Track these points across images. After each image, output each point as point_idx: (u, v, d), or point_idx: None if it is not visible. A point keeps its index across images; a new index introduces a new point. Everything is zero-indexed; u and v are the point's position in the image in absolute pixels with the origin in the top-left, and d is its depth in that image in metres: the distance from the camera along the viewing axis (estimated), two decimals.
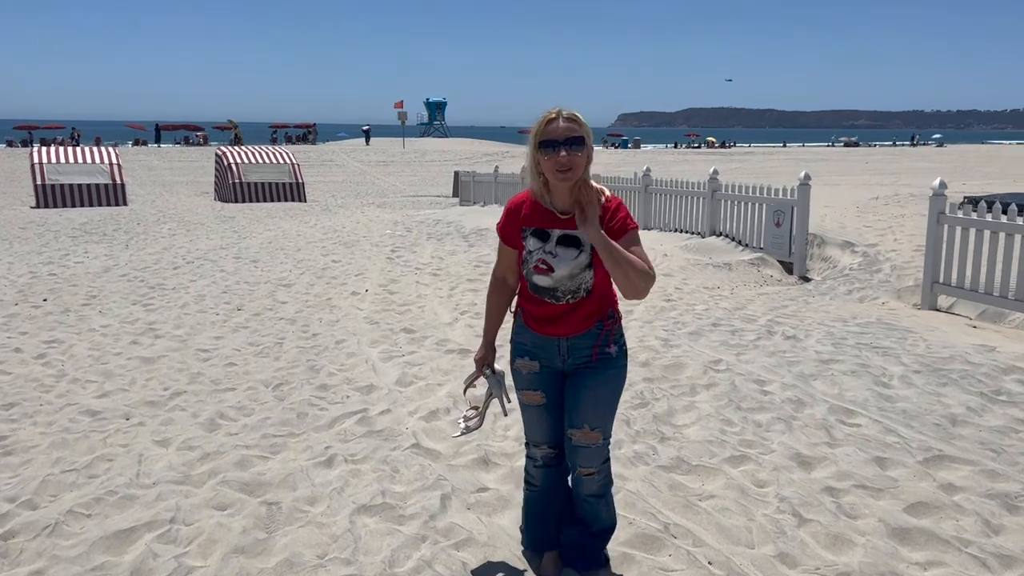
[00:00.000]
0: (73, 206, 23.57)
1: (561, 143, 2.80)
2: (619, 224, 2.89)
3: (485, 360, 3.29)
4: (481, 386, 3.42)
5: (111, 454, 4.68)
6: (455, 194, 27.77)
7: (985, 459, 4.23)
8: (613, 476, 4.16)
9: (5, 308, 8.79)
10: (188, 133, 69.33)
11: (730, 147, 79.96)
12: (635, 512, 3.76)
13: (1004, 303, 7.83)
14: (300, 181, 27.12)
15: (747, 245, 11.68)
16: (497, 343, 3.33)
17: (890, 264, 9.96)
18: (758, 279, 10.38)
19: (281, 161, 27.39)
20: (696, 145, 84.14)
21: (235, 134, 63.93)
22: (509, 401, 3.32)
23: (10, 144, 57.64)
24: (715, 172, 12.71)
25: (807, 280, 10.50)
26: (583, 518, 3.26)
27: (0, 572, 3.41)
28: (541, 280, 2.94)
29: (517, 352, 3.14)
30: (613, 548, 3.42)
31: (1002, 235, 7.93)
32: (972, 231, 8.28)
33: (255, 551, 3.51)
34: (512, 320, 3.22)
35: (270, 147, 31.32)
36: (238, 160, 26.52)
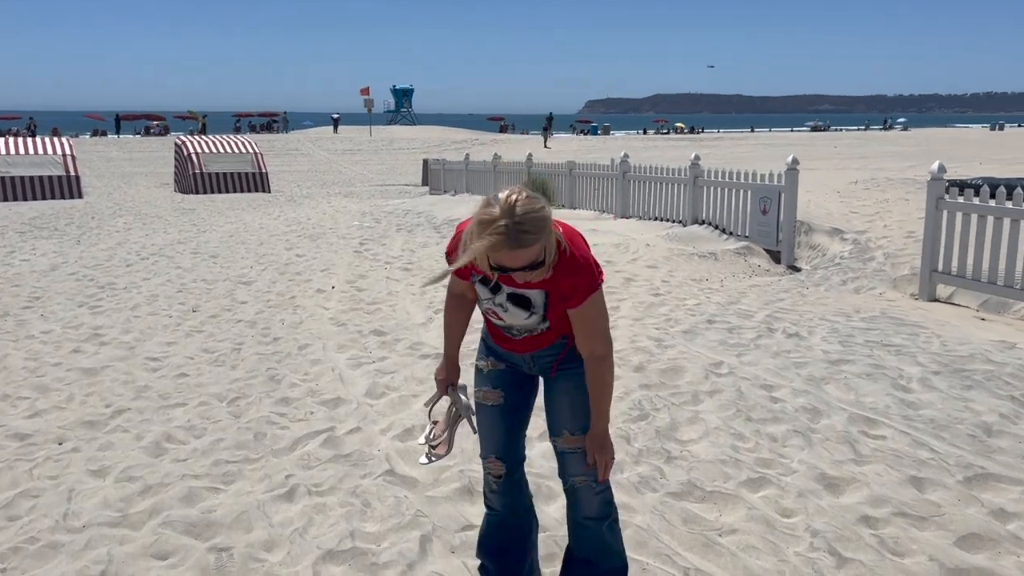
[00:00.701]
0: (24, 199, 22.53)
1: (514, 270, 2.39)
2: (570, 291, 2.52)
3: (449, 379, 2.97)
4: (445, 405, 3.07)
5: (37, 488, 4.06)
6: (424, 183, 27.09)
7: None
8: (618, 506, 3.65)
9: None
10: (148, 123, 67.62)
11: (699, 132, 79.83)
12: (648, 553, 3.23)
13: (1009, 292, 7.43)
14: (263, 171, 26.26)
15: (732, 233, 11.21)
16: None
17: (883, 252, 9.55)
18: (746, 269, 9.91)
19: (243, 150, 26.50)
20: (665, 131, 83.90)
21: (202, 123, 62.46)
22: (474, 413, 2.94)
23: None
24: (696, 158, 12.22)
25: (796, 270, 10.06)
26: (587, 557, 2.76)
27: None
28: (495, 321, 2.71)
29: (483, 353, 2.88)
30: None
31: (1007, 221, 7.51)
32: (974, 217, 7.86)
33: None
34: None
35: (232, 136, 30.36)
36: (198, 150, 25.60)
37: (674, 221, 12.44)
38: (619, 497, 3.70)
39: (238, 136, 33.00)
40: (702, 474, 3.93)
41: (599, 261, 2.61)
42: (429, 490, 3.89)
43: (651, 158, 22.18)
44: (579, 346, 2.61)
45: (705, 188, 11.89)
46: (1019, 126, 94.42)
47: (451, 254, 2.66)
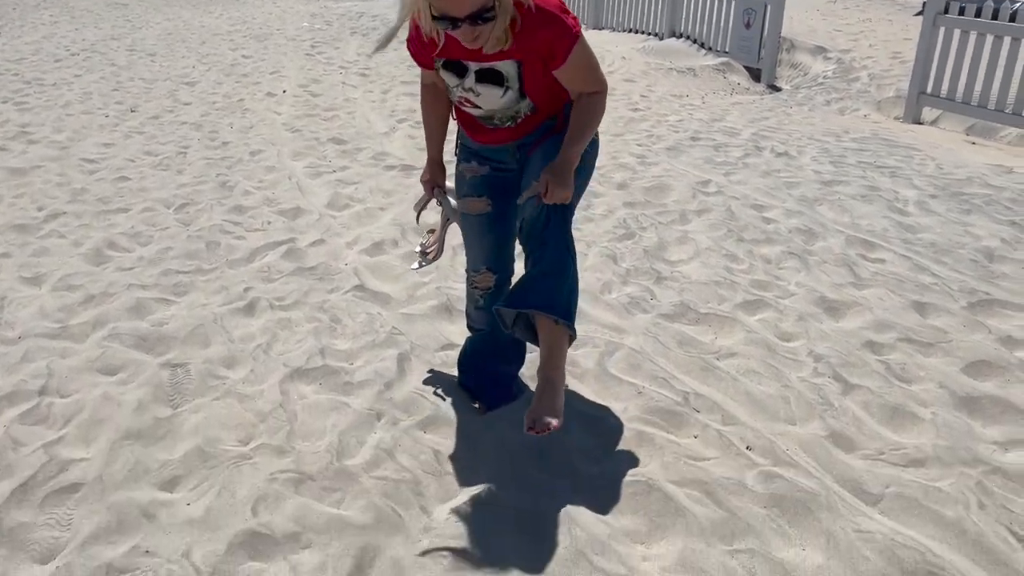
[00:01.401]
0: None
1: (462, 19, 2.06)
2: (547, 50, 2.22)
3: (434, 181, 2.74)
4: (434, 211, 2.93)
5: None
6: None
7: None
8: (607, 327, 3.41)
9: None
10: None
11: None
12: (643, 376, 3.01)
13: (998, 117, 7.15)
14: None
15: (710, 48, 10.60)
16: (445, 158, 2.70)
17: (867, 73, 9.12)
18: (725, 87, 9.42)
19: None
20: None
21: None
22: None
23: None
24: None
25: (776, 89, 9.60)
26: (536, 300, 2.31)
27: None
28: (472, 111, 2.42)
29: (463, 156, 2.62)
30: (624, 426, 2.69)
31: (1006, 40, 7.10)
32: (971, 36, 7.42)
33: (155, 435, 2.65)
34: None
35: None
36: None
37: (650, 34, 11.72)
38: (609, 318, 3.46)
39: None
40: (695, 295, 3.68)
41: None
42: (404, 307, 3.58)
43: None
44: (572, 94, 2.35)
45: None
46: None
47: (413, 53, 2.42)
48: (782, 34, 10.09)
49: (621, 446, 2.59)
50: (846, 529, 2.21)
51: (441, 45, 2.27)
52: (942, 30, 7.64)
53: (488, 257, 2.66)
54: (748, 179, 5.31)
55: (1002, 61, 7.09)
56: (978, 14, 7.43)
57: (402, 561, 2.11)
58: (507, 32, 2.16)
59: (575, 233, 2.55)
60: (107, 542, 2.17)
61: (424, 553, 2.12)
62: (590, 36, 11.72)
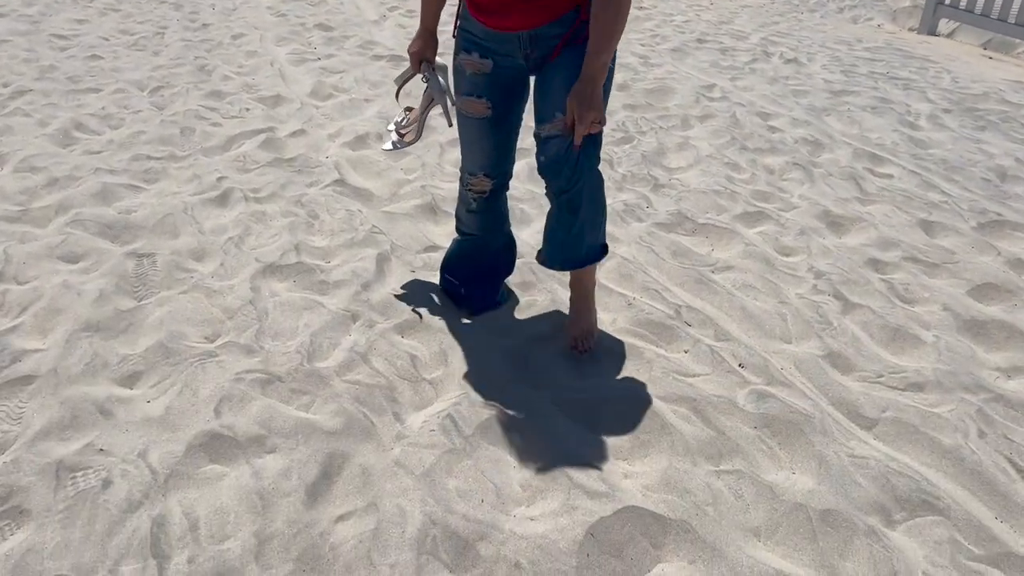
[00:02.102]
0: None
1: None
2: None
3: (422, 53, 2.46)
4: (417, 88, 2.58)
5: None
6: None
7: None
8: None
9: None
10: None
11: None
12: (634, 287, 2.86)
13: (1018, 31, 6.82)
14: None
15: None
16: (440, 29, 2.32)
17: None
18: None
19: None
20: None
21: None
22: (454, 103, 2.42)
23: None
24: None
25: None
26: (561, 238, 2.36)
27: None
28: None
29: (463, 45, 2.30)
30: (611, 337, 2.56)
31: None
32: None
33: (116, 328, 2.50)
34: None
35: None
36: None
37: None
38: None
39: None
40: (693, 205, 3.51)
41: None
42: (386, 205, 3.40)
43: None
44: None
45: None
46: None
47: None
48: None
49: (607, 359, 2.46)
50: (839, 453, 2.11)
51: None
52: None
53: (486, 162, 2.44)
54: (755, 85, 5.06)
55: None
56: None
57: (371, 469, 1.99)
58: None
59: None
60: (59, 438, 2.05)
61: (396, 462, 2.01)
62: None
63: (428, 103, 2.56)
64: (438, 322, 2.58)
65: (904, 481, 2.02)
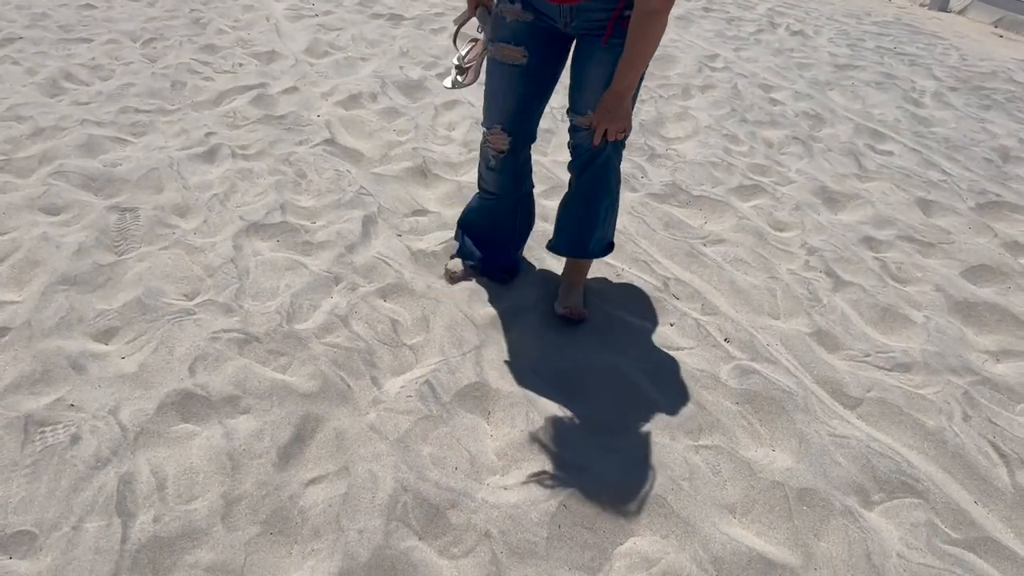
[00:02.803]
0: None
1: None
2: None
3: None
4: (472, 31, 2.55)
5: None
6: None
7: None
8: None
9: None
10: None
11: None
12: (623, 258, 2.82)
13: None
14: None
15: None
16: None
17: None
18: None
19: None
20: None
21: None
22: (488, 51, 2.34)
23: None
24: None
25: None
26: (578, 228, 2.44)
27: None
28: None
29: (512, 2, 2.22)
30: (597, 308, 2.52)
31: None
32: None
33: (94, 282, 2.46)
34: None
35: None
36: None
37: None
38: None
39: None
40: (688, 176, 3.45)
41: None
42: (376, 166, 3.34)
43: None
44: None
45: None
46: None
47: None
48: None
49: (592, 329, 2.43)
50: (820, 432, 2.08)
51: None
52: None
53: (507, 116, 2.34)
54: (759, 56, 4.97)
55: None
56: None
57: (345, 433, 1.97)
58: None
59: None
60: (29, 392, 2.02)
61: (370, 426, 1.98)
62: None
63: (485, 48, 2.43)
64: (422, 287, 2.54)
65: (884, 462, 2.00)
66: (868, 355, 2.43)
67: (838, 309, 2.63)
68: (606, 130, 2.12)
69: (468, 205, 2.66)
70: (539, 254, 2.76)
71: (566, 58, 2.29)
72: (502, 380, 2.18)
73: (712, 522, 1.81)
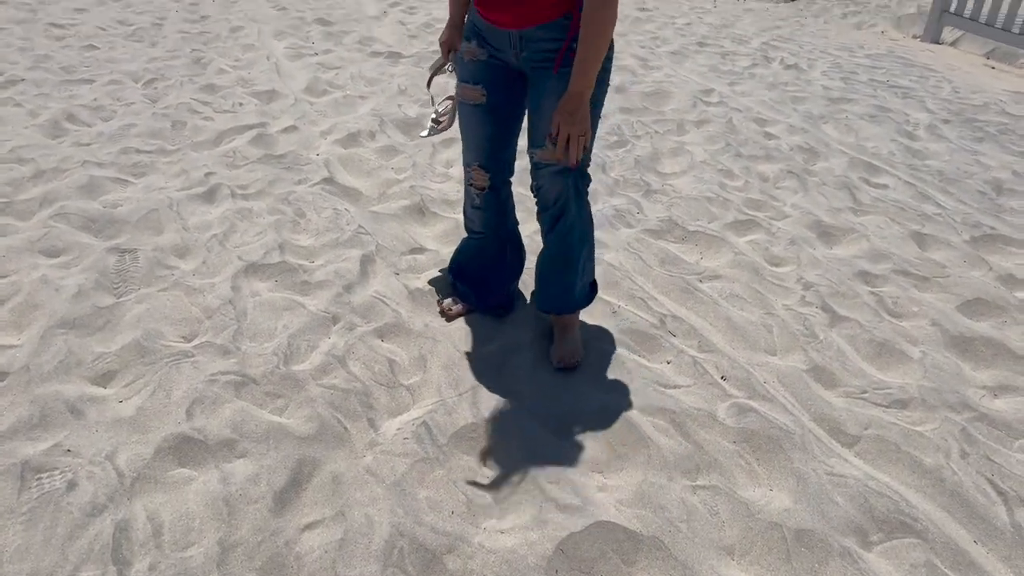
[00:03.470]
0: None
1: None
2: None
3: (451, 43, 2.48)
4: (449, 77, 2.73)
5: None
6: None
7: None
8: None
9: None
10: None
11: None
12: (619, 295, 2.83)
13: (1022, 41, 6.78)
14: None
15: None
16: None
17: None
18: None
19: None
20: None
21: None
22: (457, 94, 2.43)
23: None
24: None
25: None
26: (554, 267, 2.44)
27: None
28: None
29: (466, 33, 2.34)
30: (592, 346, 2.53)
31: None
32: None
33: (93, 325, 2.47)
34: None
35: None
36: None
37: None
38: None
39: None
40: (684, 211, 3.47)
41: None
42: (374, 204, 3.37)
43: None
44: None
45: None
46: None
47: None
48: None
49: (587, 368, 2.43)
50: (818, 471, 2.08)
51: None
52: None
53: (481, 153, 2.42)
54: (753, 91, 5.02)
55: None
56: None
57: (342, 477, 1.97)
58: None
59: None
60: (27, 437, 2.02)
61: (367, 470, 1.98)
62: None
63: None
64: (419, 326, 2.56)
65: (883, 501, 1.99)
66: (865, 392, 2.44)
67: (834, 345, 2.64)
68: (566, 135, 2.08)
69: (457, 248, 2.71)
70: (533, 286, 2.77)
71: (527, 91, 2.33)
72: (498, 421, 2.18)
73: (711, 564, 1.80)
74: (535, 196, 2.34)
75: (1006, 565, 1.87)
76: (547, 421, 2.20)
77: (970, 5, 7.18)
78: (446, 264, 2.91)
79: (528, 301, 2.72)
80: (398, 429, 2.13)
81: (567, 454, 2.09)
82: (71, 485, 1.87)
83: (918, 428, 2.28)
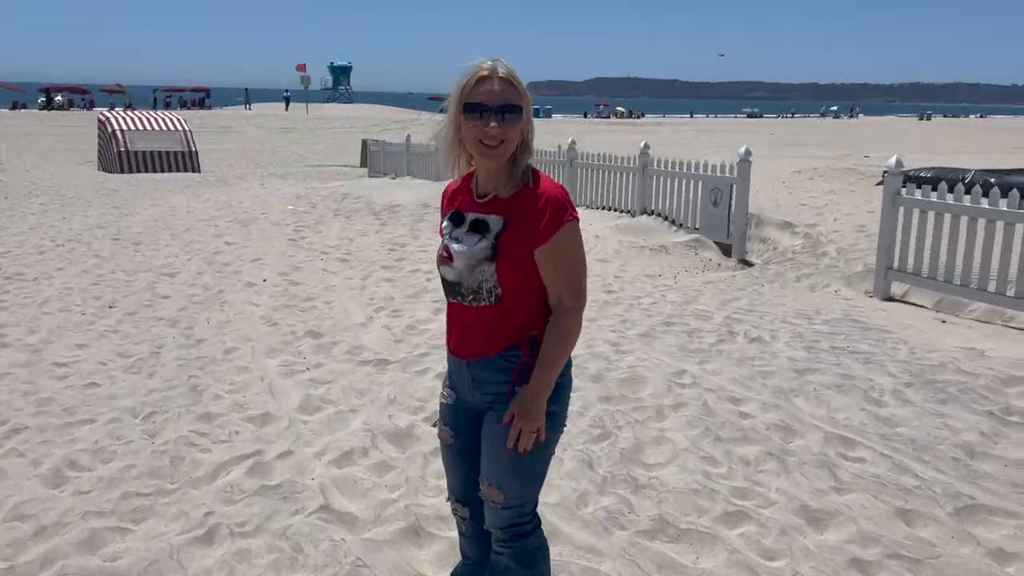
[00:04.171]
0: None
1: (493, 109, 2.15)
2: (540, 215, 2.20)
3: None
4: None
5: None
6: (363, 164, 26.32)
7: None
8: (584, 548, 3.25)
9: None
10: (71, 96, 64.85)
11: (639, 117, 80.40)
12: None
13: (965, 292, 7.27)
14: (193, 149, 25.15)
15: (681, 225, 10.94)
16: None
17: (835, 247, 9.37)
18: (697, 263, 9.64)
19: (172, 128, 25.34)
20: (606, 115, 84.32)
21: (128, 101, 60.83)
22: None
23: None
24: (646, 146, 11.90)
25: (748, 264, 9.83)
26: None
27: None
28: (445, 271, 2.35)
29: (445, 379, 2.57)
30: None
31: (964, 219, 7.35)
32: (931, 215, 7.68)
33: None
34: None
35: (160, 112, 29.14)
36: (124, 126, 24.35)
37: (622, 211, 12.12)
38: (585, 537, 3.33)
39: (167, 112, 31.75)
40: (673, 507, 3.56)
41: None
42: (369, 530, 3.43)
43: (596, 143, 21.82)
44: (550, 299, 2.26)
45: (654, 178, 11.58)
46: (944, 116, 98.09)
47: (445, 195, 2.49)
48: (749, 210, 10.45)
49: None
50: None
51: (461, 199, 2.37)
52: (901, 209, 7.91)
53: (456, 488, 2.60)
54: (723, 368, 5.31)
55: (962, 237, 7.30)
56: (935, 188, 7.68)
57: None
58: (516, 174, 2.23)
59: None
60: None
61: None
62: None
63: None
64: None
65: None
66: None
67: None
68: (518, 427, 2.25)
69: (453, 571, 2.78)
70: None
71: None
72: None
73: None
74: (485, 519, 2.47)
75: None
76: None
77: (911, 261, 7.78)
78: None
79: None
80: None
81: None
82: None
83: None
